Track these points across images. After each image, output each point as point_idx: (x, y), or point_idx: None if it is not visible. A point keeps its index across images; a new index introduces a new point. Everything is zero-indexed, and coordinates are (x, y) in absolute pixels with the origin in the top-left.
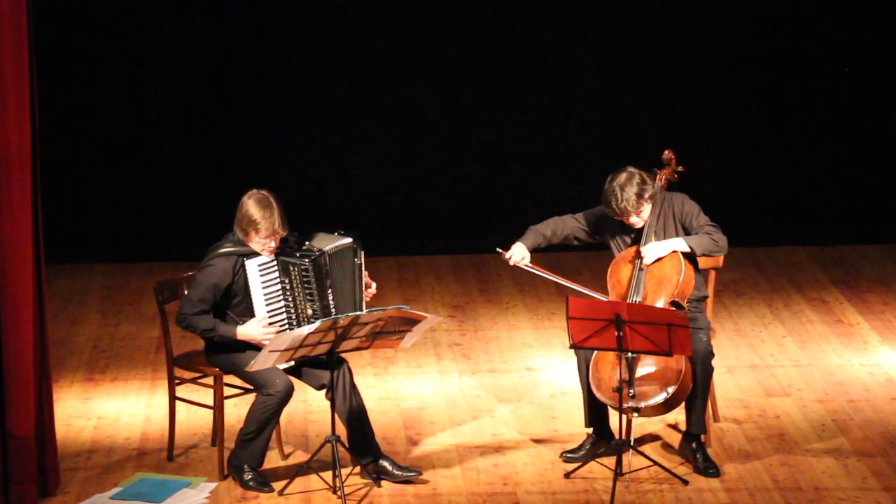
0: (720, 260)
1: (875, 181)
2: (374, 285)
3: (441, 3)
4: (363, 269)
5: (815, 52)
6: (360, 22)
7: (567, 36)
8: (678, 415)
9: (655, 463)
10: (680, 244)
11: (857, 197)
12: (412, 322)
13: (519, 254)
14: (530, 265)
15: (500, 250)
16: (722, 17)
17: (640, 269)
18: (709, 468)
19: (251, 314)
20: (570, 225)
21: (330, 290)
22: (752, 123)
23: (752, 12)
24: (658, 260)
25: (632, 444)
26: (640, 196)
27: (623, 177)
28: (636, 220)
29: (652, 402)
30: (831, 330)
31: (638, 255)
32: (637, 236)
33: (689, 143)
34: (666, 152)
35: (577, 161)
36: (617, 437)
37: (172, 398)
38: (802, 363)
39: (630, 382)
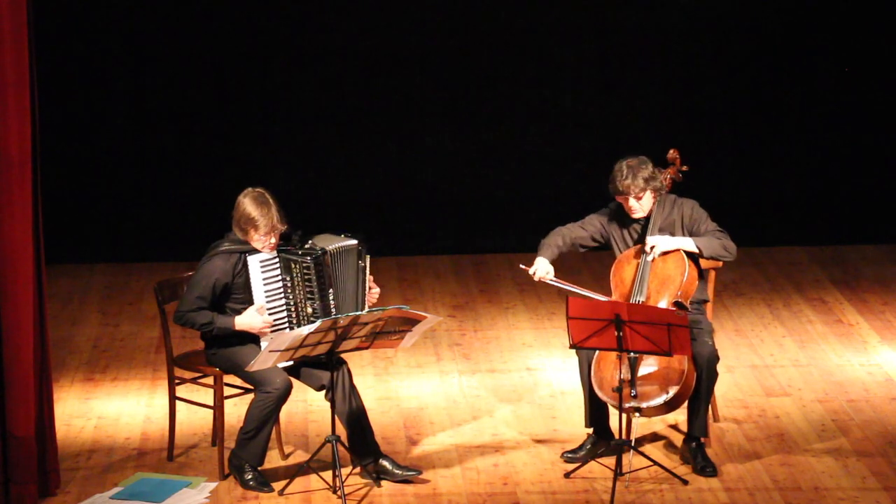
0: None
1: (875, 181)
2: (377, 290)
3: (442, 3)
4: (367, 271)
5: (816, 52)
6: (360, 22)
7: (567, 36)
8: (679, 415)
9: (655, 463)
10: (688, 244)
11: (857, 197)
12: (412, 322)
13: (543, 268)
14: (555, 279)
15: (524, 266)
16: (722, 16)
17: (646, 262)
18: (706, 467)
19: None
20: (575, 233)
21: (331, 290)
22: (751, 123)
23: (752, 12)
24: (664, 254)
25: (632, 444)
26: (646, 180)
27: (635, 160)
28: (634, 205)
29: (654, 402)
30: (831, 330)
31: (642, 251)
32: (641, 236)
33: (689, 143)
34: (671, 152)
35: (578, 161)
36: (617, 437)
37: (172, 398)
38: (802, 363)
39: (632, 382)
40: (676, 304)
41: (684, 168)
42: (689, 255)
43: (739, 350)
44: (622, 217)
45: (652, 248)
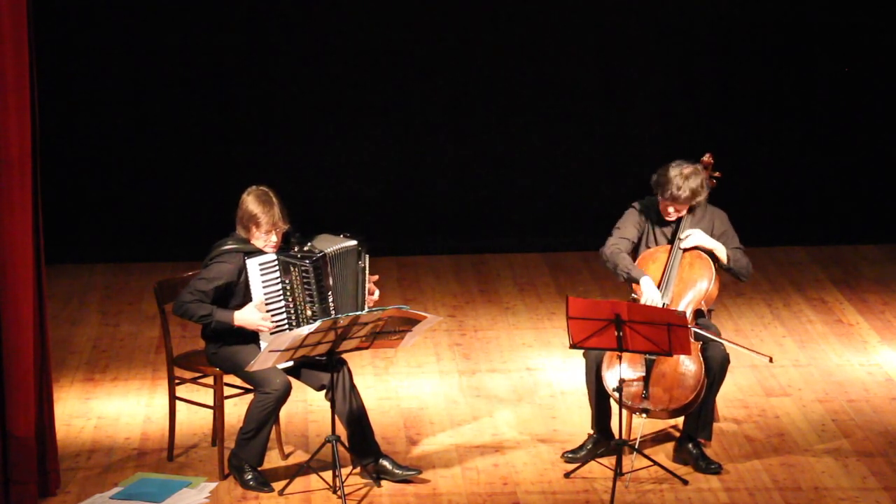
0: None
1: (875, 181)
2: (377, 292)
3: (442, 2)
4: (367, 272)
5: (815, 52)
6: (360, 21)
7: (567, 36)
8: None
9: (655, 463)
10: (720, 250)
11: (857, 197)
12: (412, 322)
13: (660, 299)
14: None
15: (636, 296)
16: (722, 17)
17: (674, 263)
18: (711, 464)
19: None
20: (627, 245)
21: (330, 293)
22: (751, 124)
23: (752, 12)
24: (693, 250)
25: (633, 444)
26: (695, 193)
27: (689, 169)
28: (673, 213)
29: (666, 407)
30: (831, 330)
31: (671, 251)
32: (672, 237)
33: (688, 144)
34: (706, 156)
35: (577, 161)
36: (617, 437)
37: (172, 398)
38: (802, 363)
39: (646, 384)
40: (697, 312)
41: (716, 174)
42: (715, 264)
43: (739, 350)
44: (654, 215)
45: (687, 236)
